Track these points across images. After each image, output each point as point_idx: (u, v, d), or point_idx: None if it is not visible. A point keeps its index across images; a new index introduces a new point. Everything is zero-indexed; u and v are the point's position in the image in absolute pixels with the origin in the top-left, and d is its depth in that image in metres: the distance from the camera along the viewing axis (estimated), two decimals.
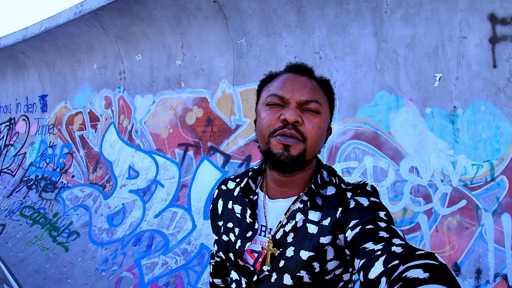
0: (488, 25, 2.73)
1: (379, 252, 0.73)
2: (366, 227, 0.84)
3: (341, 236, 0.93)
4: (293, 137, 0.93)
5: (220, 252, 1.15)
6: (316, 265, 0.95)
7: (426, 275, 0.58)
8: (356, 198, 0.97)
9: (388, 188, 3.05)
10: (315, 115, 0.97)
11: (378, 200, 0.97)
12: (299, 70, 1.05)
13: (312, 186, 1.03)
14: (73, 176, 5.49)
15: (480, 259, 2.54)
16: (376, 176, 3.13)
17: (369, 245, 0.77)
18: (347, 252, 0.92)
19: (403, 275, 0.60)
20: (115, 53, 4.80)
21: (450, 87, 2.90)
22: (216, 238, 1.16)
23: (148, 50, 4.44)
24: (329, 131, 1.09)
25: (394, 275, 0.63)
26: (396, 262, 0.66)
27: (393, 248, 0.72)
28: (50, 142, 6.24)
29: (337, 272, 0.99)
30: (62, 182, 5.59)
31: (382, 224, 0.84)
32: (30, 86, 6.83)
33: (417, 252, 0.67)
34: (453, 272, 0.62)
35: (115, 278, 3.77)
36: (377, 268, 0.69)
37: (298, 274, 0.96)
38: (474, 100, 2.80)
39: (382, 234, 0.80)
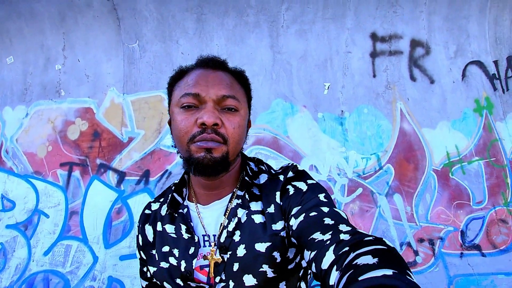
0: (370, 42, 3.25)
1: (328, 242, 0.73)
2: (310, 214, 0.84)
3: (285, 224, 0.92)
4: (213, 141, 0.88)
5: (165, 283, 0.99)
6: (276, 254, 0.90)
7: (375, 260, 0.58)
8: (294, 183, 0.96)
9: None
10: (234, 114, 0.93)
11: (315, 181, 0.97)
12: (213, 64, 0.98)
13: (246, 178, 1.00)
14: None
15: (385, 234, 2.89)
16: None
17: (318, 236, 0.77)
18: (294, 241, 0.89)
19: (354, 262, 0.62)
20: None
21: (337, 94, 3.28)
22: (154, 269, 1.02)
23: (23, 51, 3.71)
24: (249, 124, 1.06)
25: (345, 262, 0.64)
26: (346, 249, 0.67)
27: (342, 236, 0.72)
28: None
29: (297, 259, 0.96)
30: None
31: (325, 209, 0.84)
32: None
33: (366, 238, 0.68)
34: (401, 255, 0.66)
35: None
36: (328, 258, 0.69)
37: (261, 269, 0.89)
38: (358, 104, 3.23)
39: (328, 221, 0.79)
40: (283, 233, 0.91)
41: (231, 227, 0.94)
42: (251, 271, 0.89)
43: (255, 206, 0.96)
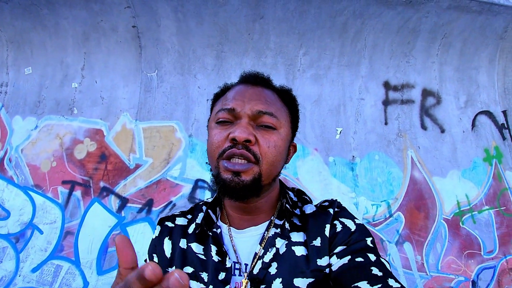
0: (382, 90, 3.36)
1: None
2: (356, 259, 0.80)
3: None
4: (243, 157, 0.82)
5: None
6: None
7: None
8: (342, 219, 0.90)
9: None
10: (271, 132, 0.87)
11: (361, 222, 0.92)
12: (254, 79, 0.95)
13: (287, 206, 0.93)
14: None
15: None
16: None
17: (364, 285, 0.73)
18: (330, 283, 0.83)
19: None
20: (2, 60, 3.86)
21: (349, 139, 3.33)
22: None
23: (42, 64, 3.74)
24: (292, 148, 1.00)
25: None
26: None
27: None
28: None
29: None
30: None
31: (372, 257, 0.80)
32: None
33: None
34: None
35: None
36: None
37: None
38: (370, 150, 3.28)
39: (375, 271, 0.76)
40: (328, 270, 0.84)
41: (267, 258, 0.86)
42: None
43: (297, 237, 0.89)
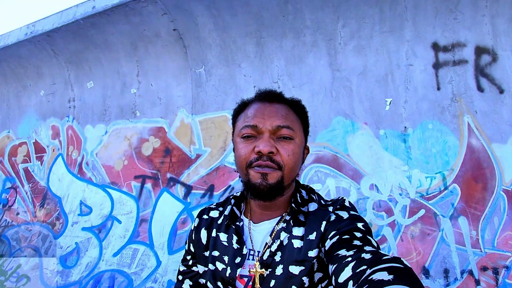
0: (431, 53, 3.10)
1: (349, 258, 0.80)
2: (343, 236, 0.91)
3: (322, 248, 0.99)
4: (268, 167, 0.98)
5: (208, 283, 1.13)
6: (305, 279, 0.99)
7: (391, 277, 0.63)
8: (337, 212, 1.03)
9: None
10: (289, 142, 1.02)
11: (357, 213, 1.03)
12: (269, 97, 1.09)
13: (293, 205, 1.07)
14: (17, 214, 4.91)
15: (446, 260, 2.74)
16: (339, 196, 3.24)
17: (342, 252, 0.85)
18: (325, 261, 0.98)
19: (369, 278, 0.66)
20: (65, 79, 4.50)
21: (400, 110, 3.18)
22: (205, 269, 1.14)
23: (101, 77, 4.25)
24: (306, 151, 1.15)
25: (362, 278, 0.68)
26: (364, 267, 0.73)
27: (363, 255, 0.79)
28: None
29: (323, 284, 1.02)
30: (6, 220, 4.97)
31: (358, 234, 0.91)
32: None
33: (384, 257, 0.74)
34: (417, 275, 0.68)
35: None
36: (346, 272, 0.76)
37: None
38: (422, 120, 3.10)
39: (356, 242, 0.87)
40: (315, 260, 0.99)
41: (273, 247, 1.03)
42: None
43: (297, 231, 1.04)
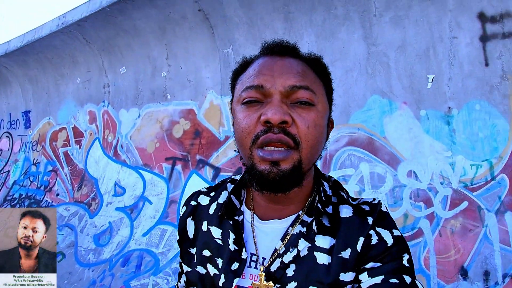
0: (478, 24, 2.73)
1: None
2: (390, 280, 0.71)
3: (358, 278, 0.76)
4: (282, 143, 0.71)
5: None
6: None
7: None
8: (379, 230, 0.78)
9: (387, 194, 2.97)
10: (309, 109, 0.75)
11: (400, 234, 0.79)
12: (279, 50, 0.80)
13: (318, 205, 0.81)
14: (57, 195, 5.28)
15: (487, 260, 2.49)
16: (373, 183, 3.05)
17: None
18: None
19: None
20: (99, 66, 4.70)
21: (444, 88, 2.87)
22: (188, 269, 0.89)
23: (133, 62, 4.35)
24: (330, 125, 0.85)
25: None
26: None
27: None
28: (34, 159, 6.02)
29: None
30: (47, 200, 5.38)
31: (408, 279, 0.72)
32: (13, 102, 6.62)
33: None
34: None
35: None
36: None
37: None
38: (469, 99, 2.78)
39: None
40: (349, 287, 0.75)
41: (287, 258, 0.78)
42: None
43: (322, 241, 0.79)
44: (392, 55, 3.05)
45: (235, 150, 0.80)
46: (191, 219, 0.92)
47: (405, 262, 0.74)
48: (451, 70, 2.84)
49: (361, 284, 0.73)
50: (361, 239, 0.77)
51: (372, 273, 0.73)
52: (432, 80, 2.90)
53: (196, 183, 3.87)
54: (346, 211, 0.81)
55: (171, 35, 3.92)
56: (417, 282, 0.73)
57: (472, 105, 2.75)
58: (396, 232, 0.78)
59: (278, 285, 0.76)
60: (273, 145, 0.71)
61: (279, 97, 0.73)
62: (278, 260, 0.78)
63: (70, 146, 5.34)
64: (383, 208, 0.82)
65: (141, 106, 4.38)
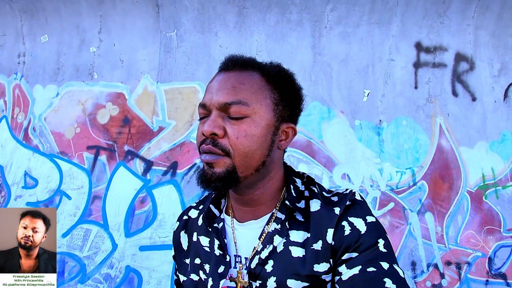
0: (414, 51, 3.16)
1: None
2: (368, 269, 0.75)
3: (330, 267, 0.82)
4: (211, 153, 0.81)
5: None
6: None
7: None
8: (351, 219, 0.83)
9: None
10: (241, 122, 0.81)
11: (374, 219, 0.84)
12: (228, 64, 0.88)
13: (287, 202, 0.87)
14: None
15: (413, 253, 2.94)
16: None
17: None
18: None
19: None
20: (16, 30, 3.76)
21: (377, 103, 3.23)
22: (184, 279, 0.97)
23: (58, 30, 3.62)
24: (291, 131, 0.91)
25: None
26: None
27: None
28: None
29: None
30: None
31: (385, 265, 0.76)
32: None
33: None
34: None
35: None
36: None
37: None
38: (397, 115, 3.18)
39: (389, 284, 0.73)
40: (325, 277, 0.81)
41: (264, 254, 0.84)
42: None
43: (296, 235, 0.84)
44: (336, 66, 3.29)
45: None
46: (184, 232, 1.02)
47: (381, 247, 0.79)
48: (385, 88, 3.22)
49: (341, 277, 0.77)
50: (330, 231, 0.82)
51: (349, 264, 0.78)
52: (368, 94, 3.23)
53: (124, 177, 3.46)
54: (315, 205, 0.87)
55: (109, 6, 3.43)
56: (395, 266, 0.77)
57: (400, 120, 3.17)
58: (370, 218, 0.83)
59: (259, 281, 0.83)
60: (206, 153, 0.83)
61: (216, 112, 0.82)
62: (257, 257, 0.85)
63: None
64: (357, 197, 0.87)
65: (61, 83, 3.66)
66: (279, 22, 3.33)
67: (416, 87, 3.17)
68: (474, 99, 3.12)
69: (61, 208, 3.50)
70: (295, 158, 3.29)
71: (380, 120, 3.20)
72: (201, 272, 0.92)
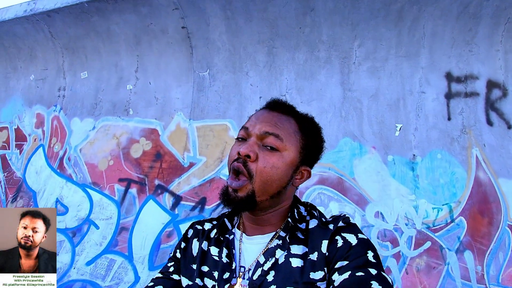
0: (445, 82, 3.09)
1: None
2: (357, 273, 0.82)
3: (326, 276, 0.90)
4: (239, 171, 0.93)
5: None
6: None
7: None
8: (344, 234, 0.94)
9: None
10: (273, 153, 0.95)
11: (365, 237, 0.94)
12: (273, 105, 1.04)
13: (289, 220, 0.99)
14: None
15: None
16: (341, 213, 3.11)
17: None
18: None
19: None
20: (58, 66, 4.12)
21: (410, 137, 3.12)
22: (190, 283, 1.03)
23: (97, 68, 3.92)
24: (304, 173, 1.04)
25: None
26: None
27: None
28: None
29: None
30: None
31: (373, 271, 0.83)
32: None
33: None
34: None
35: None
36: None
37: None
38: (431, 149, 3.05)
39: (375, 285, 0.79)
40: (320, 284, 0.88)
41: (266, 266, 0.94)
42: None
43: (296, 249, 0.95)
44: (366, 102, 3.26)
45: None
46: (196, 240, 1.10)
47: (370, 257, 0.86)
48: (418, 121, 3.12)
49: (334, 284, 0.84)
50: (325, 242, 0.93)
51: (341, 271, 0.85)
52: (400, 128, 3.15)
53: (153, 210, 3.49)
54: (312, 223, 1.00)
55: (146, 47, 3.68)
56: (383, 274, 0.83)
57: (434, 154, 3.02)
58: (361, 235, 0.93)
59: None
60: (234, 175, 0.95)
61: (254, 139, 0.96)
62: (260, 269, 0.94)
63: (9, 149, 4.54)
64: (350, 220, 0.99)
65: (98, 117, 3.90)
66: (308, 60, 3.41)
67: (449, 119, 3.05)
68: (509, 127, 2.94)
69: (88, 237, 3.54)
70: (325, 196, 3.18)
71: (414, 155, 3.07)
72: (207, 279, 1.00)
